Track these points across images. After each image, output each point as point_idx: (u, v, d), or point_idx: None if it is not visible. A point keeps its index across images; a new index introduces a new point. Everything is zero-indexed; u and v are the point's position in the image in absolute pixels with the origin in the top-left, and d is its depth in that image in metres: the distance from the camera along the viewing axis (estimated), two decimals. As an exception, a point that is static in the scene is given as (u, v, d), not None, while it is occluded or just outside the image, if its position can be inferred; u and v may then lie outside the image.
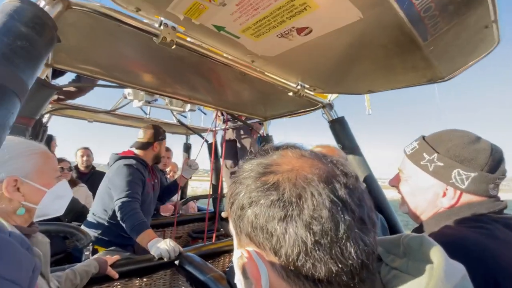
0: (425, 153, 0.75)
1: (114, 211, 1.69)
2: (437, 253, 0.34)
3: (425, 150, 0.75)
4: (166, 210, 2.61)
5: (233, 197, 0.38)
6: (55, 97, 1.97)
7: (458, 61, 1.11)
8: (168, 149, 2.98)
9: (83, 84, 1.85)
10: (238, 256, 0.37)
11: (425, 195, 0.75)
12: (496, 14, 0.83)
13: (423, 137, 0.79)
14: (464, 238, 0.61)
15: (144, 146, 1.92)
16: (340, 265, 0.30)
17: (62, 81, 1.85)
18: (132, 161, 1.81)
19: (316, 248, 0.30)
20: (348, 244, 0.31)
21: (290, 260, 0.31)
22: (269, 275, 0.34)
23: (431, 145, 0.75)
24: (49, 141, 2.53)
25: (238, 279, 0.38)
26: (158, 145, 1.97)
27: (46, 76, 1.32)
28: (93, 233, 1.73)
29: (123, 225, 1.60)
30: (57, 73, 1.66)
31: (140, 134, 1.95)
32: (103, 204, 1.79)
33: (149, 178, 1.92)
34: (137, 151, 1.92)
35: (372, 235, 0.33)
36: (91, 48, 1.10)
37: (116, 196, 1.67)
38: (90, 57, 1.19)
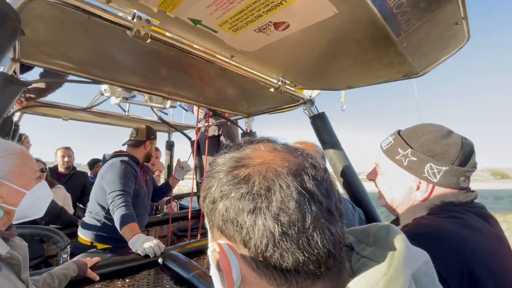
0: (399, 148, 0.77)
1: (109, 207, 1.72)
2: (399, 240, 0.35)
3: (400, 145, 0.77)
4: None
5: (206, 191, 0.38)
6: (26, 95, 1.87)
7: (430, 57, 1.15)
8: (157, 149, 2.93)
9: (54, 80, 1.76)
10: (212, 250, 0.37)
11: (400, 189, 0.78)
12: (466, 11, 0.86)
13: (399, 132, 0.81)
14: (439, 227, 0.63)
15: (136, 144, 1.99)
16: (307, 255, 0.31)
17: (30, 77, 1.76)
18: (125, 158, 1.87)
19: (284, 239, 0.31)
20: (315, 234, 0.31)
21: (259, 251, 0.32)
22: (240, 267, 0.35)
23: (406, 140, 0.77)
24: (20, 140, 2.40)
25: (213, 272, 0.39)
26: (150, 144, 2.05)
27: (14, 71, 1.25)
28: (91, 231, 1.76)
29: (113, 217, 1.63)
30: (24, 68, 1.57)
31: (132, 133, 2.02)
32: (98, 201, 1.82)
33: (141, 174, 1.96)
34: (129, 149, 1.99)
35: (339, 225, 0.34)
36: (61, 41, 1.05)
37: (109, 190, 1.71)
38: (60, 51, 1.14)
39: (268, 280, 0.33)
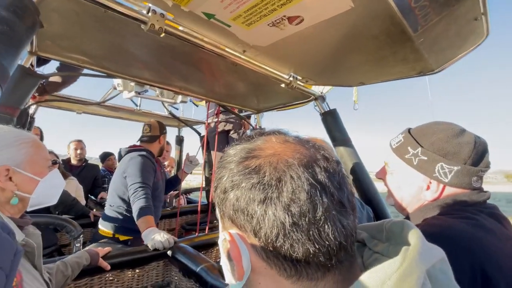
0: (409, 146, 0.75)
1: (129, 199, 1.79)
2: (414, 235, 0.35)
3: (410, 144, 0.75)
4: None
5: (217, 181, 0.39)
6: (41, 88, 1.92)
7: (447, 53, 1.11)
8: (167, 143, 2.97)
9: (69, 73, 1.80)
10: (222, 239, 0.38)
11: (410, 188, 0.76)
12: (486, 6, 0.83)
13: (409, 130, 0.79)
14: (451, 228, 0.62)
15: (151, 139, 2.05)
16: (317, 246, 0.31)
17: (46, 70, 1.80)
18: (143, 152, 1.94)
19: (294, 229, 0.31)
20: (326, 225, 0.31)
21: (269, 241, 0.32)
22: (250, 256, 0.35)
23: (416, 139, 0.75)
24: (41, 136, 2.47)
25: (223, 261, 0.39)
26: (163, 138, 2.12)
27: (31, 64, 1.28)
28: (113, 223, 1.83)
29: (132, 208, 1.69)
30: (41, 62, 1.61)
31: (146, 129, 2.08)
32: (119, 194, 1.88)
33: (158, 167, 2.03)
34: (144, 145, 2.05)
35: (351, 218, 0.34)
36: (77, 35, 1.07)
37: (130, 182, 1.78)
38: (76, 44, 1.16)
39: (278, 270, 0.33)
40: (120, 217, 1.85)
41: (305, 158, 0.34)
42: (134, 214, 1.67)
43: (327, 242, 0.31)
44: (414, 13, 0.83)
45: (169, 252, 1.45)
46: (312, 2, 0.79)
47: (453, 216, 0.65)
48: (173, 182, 2.45)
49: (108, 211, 1.90)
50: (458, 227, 0.61)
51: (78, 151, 3.04)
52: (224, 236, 0.37)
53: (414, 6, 0.80)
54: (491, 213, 0.67)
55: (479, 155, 0.68)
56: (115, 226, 1.83)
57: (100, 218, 1.91)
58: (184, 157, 2.45)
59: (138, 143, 2.08)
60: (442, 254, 0.35)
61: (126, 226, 1.83)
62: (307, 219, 0.31)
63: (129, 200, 1.79)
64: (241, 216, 0.34)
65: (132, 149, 2.00)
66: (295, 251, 0.32)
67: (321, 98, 1.72)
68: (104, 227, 1.84)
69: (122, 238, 1.82)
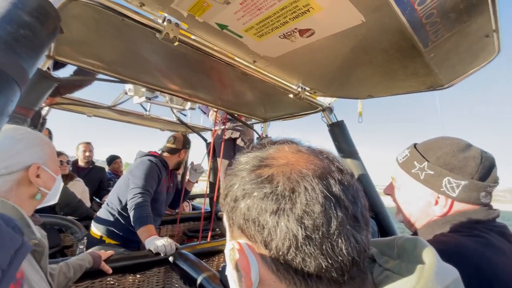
0: (415, 161, 0.75)
1: (127, 202, 1.76)
2: (429, 254, 0.34)
3: (416, 159, 0.75)
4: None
5: (228, 189, 0.38)
6: (55, 90, 1.97)
7: (458, 69, 1.11)
8: None
9: (84, 78, 1.85)
10: (230, 248, 0.37)
11: (418, 204, 0.75)
12: (498, 23, 0.83)
13: (415, 145, 0.79)
14: (461, 245, 0.61)
15: (172, 151, 2.07)
16: (330, 261, 0.30)
17: (61, 74, 1.85)
18: (154, 159, 1.92)
19: (307, 243, 0.30)
20: (340, 240, 0.31)
21: (281, 253, 0.31)
22: (259, 268, 0.34)
23: (422, 154, 0.75)
24: (50, 135, 2.53)
25: (229, 271, 0.38)
26: (184, 153, 2.14)
27: (48, 68, 1.32)
28: (103, 225, 1.80)
29: (130, 214, 1.67)
30: (57, 66, 1.66)
31: (170, 140, 2.11)
32: (119, 195, 1.86)
33: (165, 179, 2.00)
34: (164, 155, 2.07)
35: (364, 233, 0.33)
36: (94, 41, 1.11)
37: (132, 185, 1.77)
38: (93, 50, 1.20)
39: (287, 284, 0.32)
40: (111, 218, 1.81)
41: (319, 170, 0.34)
42: (133, 221, 1.62)
43: (340, 258, 0.31)
44: (425, 28, 0.84)
45: (170, 259, 1.44)
46: (324, 16, 0.81)
47: (463, 234, 0.64)
48: (180, 194, 2.40)
49: (102, 211, 1.87)
50: (469, 246, 0.60)
51: (87, 153, 3.08)
52: (233, 245, 0.36)
53: (426, 22, 0.81)
54: (501, 232, 0.66)
55: (486, 169, 0.68)
56: (105, 228, 1.78)
57: (93, 219, 1.86)
58: (189, 165, 2.45)
59: (159, 152, 2.08)
60: (456, 274, 0.34)
61: (116, 230, 1.79)
62: (320, 233, 0.30)
63: (125, 203, 1.77)
64: (252, 226, 0.34)
65: (149, 154, 1.99)
66: (306, 265, 0.31)
67: (328, 110, 1.73)
68: (95, 228, 1.80)
69: (108, 241, 1.77)
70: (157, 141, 3.06)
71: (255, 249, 0.34)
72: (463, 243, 0.62)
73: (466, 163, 0.68)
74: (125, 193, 1.82)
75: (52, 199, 0.88)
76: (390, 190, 0.86)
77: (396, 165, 0.83)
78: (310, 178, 0.32)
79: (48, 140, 0.85)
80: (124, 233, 1.79)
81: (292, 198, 0.31)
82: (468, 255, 0.58)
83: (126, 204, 1.76)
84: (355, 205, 0.33)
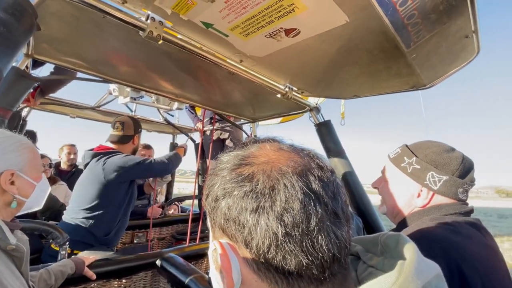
0: (405, 156, 0.85)
1: (92, 208, 1.66)
2: (410, 250, 0.34)
3: (406, 155, 0.85)
4: (156, 213, 2.56)
5: (209, 189, 0.38)
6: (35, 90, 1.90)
7: (439, 69, 1.15)
8: (149, 147, 2.89)
9: (65, 77, 1.78)
10: (212, 249, 0.37)
11: (403, 196, 0.85)
12: (477, 24, 0.86)
13: (406, 145, 0.89)
14: (430, 231, 0.69)
15: (124, 139, 1.82)
16: (310, 258, 0.30)
17: (40, 73, 1.79)
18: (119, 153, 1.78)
19: (287, 240, 0.30)
20: (319, 236, 0.31)
21: (261, 252, 0.31)
22: (241, 268, 0.34)
23: (412, 150, 0.84)
24: (34, 138, 2.42)
25: (212, 272, 0.38)
26: (137, 138, 1.93)
27: (26, 66, 1.27)
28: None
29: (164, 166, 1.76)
30: (36, 64, 1.59)
31: (117, 127, 1.81)
32: (86, 202, 1.69)
33: None
34: (115, 146, 1.81)
35: (345, 229, 0.33)
36: (75, 39, 1.07)
37: (130, 162, 1.69)
38: (73, 48, 1.16)
39: (269, 283, 0.32)
40: (75, 227, 1.66)
41: (299, 167, 0.34)
42: (171, 164, 1.83)
43: (320, 254, 0.31)
44: (407, 29, 0.86)
45: (157, 262, 1.41)
46: (308, 16, 0.81)
47: (434, 223, 0.73)
48: (140, 192, 2.24)
49: (66, 217, 1.70)
50: (436, 231, 0.69)
51: (71, 156, 2.98)
52: (214, 246, 0.36)
53: (407, 23, 0.83)
54: (472, 223, 0.74)
55: (465, 169, 0.78)
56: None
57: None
58: None
59: (108, 144, 1.82)
60: (438, 270, 0.34)
61: (79, 239, 1.66)
62: (300, 230, 0.30)
63: (94, 212, 1.67)
64: (232, 225, 0.33)
65: (101, 152, 1.75)
66: (287, 263, 0.31)
67: (316, 109, 1.74)
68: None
69: (76, 252, 1.61)
70: (144, 142, 2.99)
71: (236, 248, 0.34)
72: (432, 229, 0.70)
73: (449, 162, 0.78)
74: (94, 200, 1.67)
75: (35, 205, 0.85)
76: (378, 183, 0.95)
77: (387, 160, 0.92)
78: (289, 175, 0.32)
79: (29, 145, 0.82)
80: (88, 239, 1.67)
81: (272, 196, 0.31)
82: (435, 239, 0.66)
83: (91, 208, 1.65)
84: (335, 201, 0.33)
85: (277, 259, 0.31)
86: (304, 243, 0.30)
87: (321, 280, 0.32)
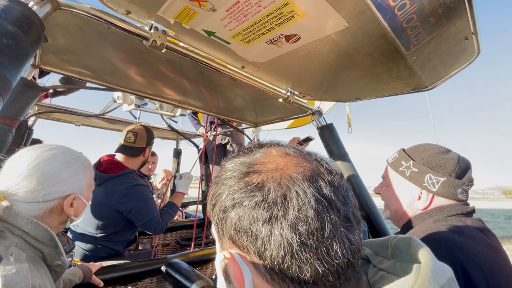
0: (403, 161, 0.86)
1: (112, 225, 1.65)
2: (425, 253, 0.34)
3: (403, 159, 0.86)
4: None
5: (215, 199, 0.37)
6: (42, 99, 1.93)
7: (440, 71, 1.15)
8: (153, 154, 2.89)
9: (70, 86, 1.82)
10: (221, 260, 0.35)
11: (404, 199, 0.86)
12: (476, 26, 0.87)
13: (403, 149, 0.91)
14: (434, 233, 0.70)
15: (135, 152, 1.68)
16: (326, 266, 0.30)
17: (48, 82, 1.82)
18: (135, 181, 1.63)
19: (303, 249, 0.29)
20: (334, 243, 0.30)
21: (275, 263, 0.30)
22: (253, 278, 0.33)
23: (409, 154, 0.86)
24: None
25: (221, 283, 0.37)
26: (149, 150, 1.83)
27: (33, 77, 1.30)
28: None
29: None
30: (43, 74, 1.63)
31: (129, 138, 1.67)
32: (100, 225, 1.63)
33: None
34: (123, 159, 1.70)
35: (357, 233, 0.33)
36: (80, 49, 1.10)
37: (143, 219, 1.60)
38: (79, 58, 1.18)
39: None
40: (92, 241, 1.61)
41: (308, 172, 0.33)
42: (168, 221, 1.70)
43: (336, 261, 0.30)
44: (406, 32, 0.87)
45: (162, 268, 1.41)
46: (308, 22, 0.83)
47: (438, 224, 0.74)
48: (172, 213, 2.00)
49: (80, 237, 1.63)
50: (440, 232, 0.70)
51: None
52: (224, 256, 0.34)
53: (406, 26, 0.84)
54: (475, 223, 0.75)
55: (462, 170, 0.79)
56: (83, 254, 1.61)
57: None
58: (181, 171, 2.40)
59: (118, 156, 1.69)
60: (450, 273, 0.34)
61: (97, 253, 1.64)
62: (315, 238, 0.30)
63: (115, 228, 1.64)
64: (244, 236, 0.32)
65: (115, 175, 1.60)
66: (303, 272, 0.30)
67: (318, 113, 1.75)
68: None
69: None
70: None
71: (247, 259, 0.33)
72: (436, 231, 0.71)
73: (445, 163, 0.79)
74: (109, 225, 1.63)
75: (77, 221, 0.86)
76: (379, 189, 0.96)
77: (386, 166, 0.94)
78: (300, 182, 0.32)
79: (90, 166, 0.83)
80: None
81: (285, 205, 0.31)
82: (440, 240, 0.67)
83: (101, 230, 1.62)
84: (346, 205, 0.33)
85: (293, 269, 0.30)
86: (319, 251, 0.30)
87: (336, 286, 0.31)
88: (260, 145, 0.40)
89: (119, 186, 1.58)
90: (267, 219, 0.31)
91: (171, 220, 1.73)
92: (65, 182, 0.74)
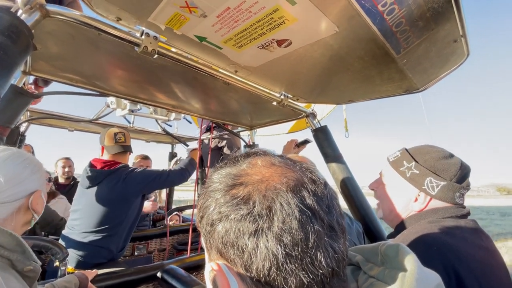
0: (405, 161, 0.85)
1: (114, 225, 1.69)
2: (411, 261, 0.34)
3: (406, 159, 0.85)
4: (148, 207, 2.49)
5: (202, 211, 0.37)
6: (34, 105, 1.91)
7: (430, 73, 1.16)
8: (147, 158, 2.88)
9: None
10: (209, 270, 0.36)
11: (400, 199, 0.85)
12: (464, 29, 0.88)
13: (406, 149, 0.89)
14: (426, 235, 0.70)
15: (127, 149, 1.86)
16: (311, 276, 0.30)
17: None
18: (134, 167, 1.83)
19: (288, 261, 0.30)
20: (318, 253, 0.30)
21: (261, 275, 0.31)
22: None
23: (412, 155, 0.84)
24: (31, 153, 2.43)
25: None
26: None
27: (24, 84, 1.28)
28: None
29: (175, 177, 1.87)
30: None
31: (119, 138, 1.83)
32: (102, 220, 1.66)
33: None
34: (114, 157, 1.80)
35: (341, 241, 0.33)
36: (71, 56, 1.09)
37: (156, 178, 1.79)
38: (70, 65, 1.17)
39: None
40: (89, 245, 1.62)
41: (292, 182, 0.33)
42: (189, 170, 1.98)
43: (320, 271, 0.30)
44: (396, 36, 0.88)
45: (158, 274, 1.40)
46: (299, 27, 0.83)
47: (431, 226, 0.74)
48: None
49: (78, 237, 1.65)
50: (432, 234, 0.70)
51: (66, 169, 2.97)
52: (212, 267, 0.35)
53: (396, 30, 0.85)
54: (468, 225, 0.75)
55: (463, 175, 0.79)
56: (78, 260, 1.60)
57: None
58: None
59: (107, 157, 1.79)
60: (438, 280, 0.34)
61: (90, 261, 1.63)
62: (299, 248, 0.30)
63: (115, 229, 1.68)
64: (231, 250, 0.32)
65: (114, 169, 1.73)
66: (288, 284, 0.30)
67: (312, 115, 1.76)
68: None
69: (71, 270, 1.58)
70: (143, 153, 3.00)
71: (234, 270, 0.33)
72: (428, 233, 0.71)
73: (448, 168, 0.78)
74: (112, 218, 1.67)
75: (37, 219, 0.86)
76: (375, 185, 0.94)
77: (386, 163, 0.92)
78: (284, 193, 0.32)
79: (41, 164, 0.84)
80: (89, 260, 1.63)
81: (270, 216, 0.31)
82: (431, 243, 0.66)
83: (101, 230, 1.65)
84: (330, 214, 0.33)
85: (278, 281, 0.30)
86: (304, 262, 0.30)
87: None
88: (247, 155, 0.40)
89: (121, 174, 1.73)
90: (253, 232, 0.31)
91: (190, 168, 2.00)
92: (29, 179, 0.74)
